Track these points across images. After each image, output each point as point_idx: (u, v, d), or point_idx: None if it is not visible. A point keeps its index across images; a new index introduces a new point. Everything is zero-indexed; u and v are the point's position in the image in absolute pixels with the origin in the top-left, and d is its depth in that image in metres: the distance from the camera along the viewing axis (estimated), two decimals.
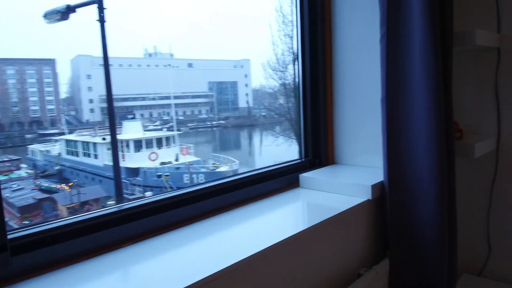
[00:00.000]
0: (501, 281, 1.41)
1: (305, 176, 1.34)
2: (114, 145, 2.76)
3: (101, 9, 2.60)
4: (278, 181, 1.33)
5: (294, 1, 1.45)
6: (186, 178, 6.85)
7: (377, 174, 1.27)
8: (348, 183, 1.23)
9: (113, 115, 2.21)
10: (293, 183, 1.37)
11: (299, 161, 1.47)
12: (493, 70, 1.33)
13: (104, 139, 6.01)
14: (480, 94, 1.38)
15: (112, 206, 0.95)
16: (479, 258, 1.47)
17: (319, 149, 1.50)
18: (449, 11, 1.10)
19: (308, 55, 1.45)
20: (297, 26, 1.45)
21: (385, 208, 1.21)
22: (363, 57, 1.34)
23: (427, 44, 1.06)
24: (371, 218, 1.25)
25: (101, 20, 2.47)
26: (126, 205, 0.96)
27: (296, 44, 1.47)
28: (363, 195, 1.19)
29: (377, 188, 1.20)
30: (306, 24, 1.44)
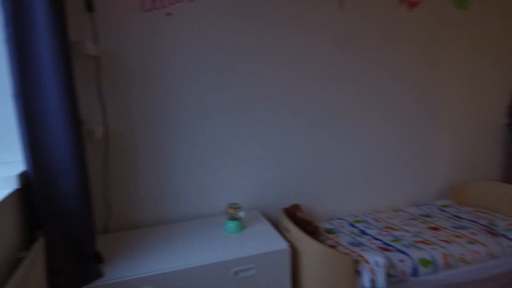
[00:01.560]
0: (121, 230, 1.90)
1: None
2: None
3: None
4: None
5: None
6: None
7: (16, 167, 1.33)
8: None
9: None
10: None
11: None
12: (96, 73, 1.73)
13: None
14: (88, 91, 1.75)
15: None
16: (102, 219, 1.88)
17: None
18: (65, 22, 1.35)
19: None
20: None
21: (33, 193, 1.31)
22: None
23: (55, 49, 1.28)
24: (23, 205, 1.31)
25: None
26: None
27: None
28: (10, 187, 1.23)
29: (22, 178, 1.28)
30: None
